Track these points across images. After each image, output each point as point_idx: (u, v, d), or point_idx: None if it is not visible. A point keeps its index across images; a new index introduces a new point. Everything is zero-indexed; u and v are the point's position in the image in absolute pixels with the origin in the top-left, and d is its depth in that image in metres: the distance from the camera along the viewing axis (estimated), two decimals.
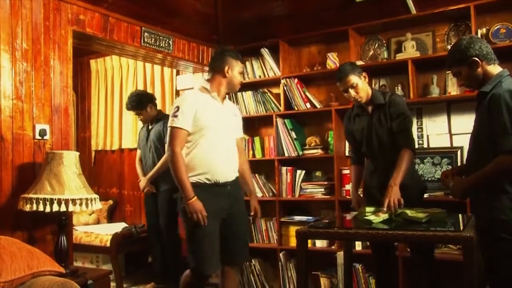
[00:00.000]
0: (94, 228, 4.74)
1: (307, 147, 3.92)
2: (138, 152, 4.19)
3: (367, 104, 2.83)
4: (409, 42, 3.56)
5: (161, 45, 3.73)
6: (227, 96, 2.76)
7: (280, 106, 4.04)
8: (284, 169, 4.00)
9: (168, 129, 2.56)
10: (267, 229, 4.08)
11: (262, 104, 4.16)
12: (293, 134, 3.94)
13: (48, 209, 2.50)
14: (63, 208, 2.52)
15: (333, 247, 3.74)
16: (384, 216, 2.36)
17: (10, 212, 2.64)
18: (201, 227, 2.48)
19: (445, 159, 3.43)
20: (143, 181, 3.97)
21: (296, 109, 3.95)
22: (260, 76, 4.20)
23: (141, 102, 3.95)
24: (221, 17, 4.20)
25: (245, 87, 4.24)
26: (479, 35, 3.24)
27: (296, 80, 3.94)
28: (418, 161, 3.47)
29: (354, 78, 2.72)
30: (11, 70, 2.72)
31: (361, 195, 3.04)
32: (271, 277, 4.07)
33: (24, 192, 2.59)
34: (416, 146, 3.53)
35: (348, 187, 3.63)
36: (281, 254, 3.93)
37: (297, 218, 3.91)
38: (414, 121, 3.56)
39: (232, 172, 2.69)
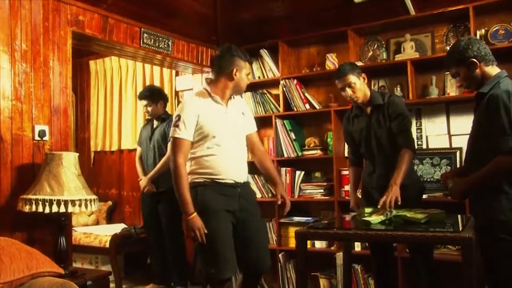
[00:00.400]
0: (94, 229, 4.73)
1: (306, 148, 3.93)
2: (138, 149, 4.15)
3: (366, 105, 2.84)
4: (408, 43, 3.57)
5: (160, 46, 3.73)
6: (232, 96, 2.59)
7: (279, 107, 4.04)
8: (283, 170, 4.00)
9: (170, 139, 2.48)
10: (267, 230, 4.08)
11: (261, 105, 4.16)
12: (292, 135, 3.94)
13: (47, 210, 2.50)
14: (62, 209, 2.52)
15: (332, 248, 3.74)
16: (381, 216, 2.36)
17: (10, 213, 2.64)
18: (212, 230, 2.36)
19: (444, 160, 3.43)
20: (143, 181, 3.94)
21: (295, 110, 3.95)
22: (259, 77, 4.20)
23: (154, 95, 3.94)
24: (220, 18, 4.20)
25: None
26: (478, 36, 3.24)
27: (295, 81, 3.95)
28: (417, 162, 3.47)
29: (352, 78, 2.74)
30: (10, 71, 2.72)
31: (360, 196, 3.05)
32: (271, 277, 4.07)
33: (24, 193, 2.59)
34: (415, 147, 3.54)
35: (347, 187, 3.63)
36: (280, 255, 3.93)
37: (296, 219, 3.91)
38: (413, 122, 3.57)
39: (242, 173, 2.55)
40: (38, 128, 2.84)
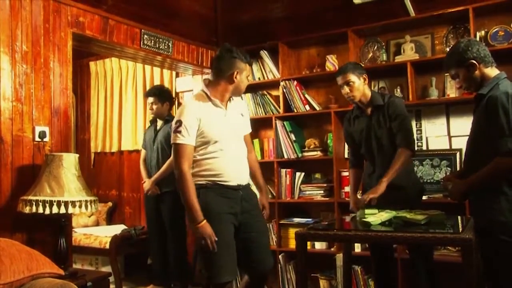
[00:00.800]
0: (94, 230, 4.73)
1: (306, 149, 3.93)
2: (143, 152, 4.14)
3: (366, 106, 2.85)
4: (408, 45, 3.57)
5: (161, 47, 3.74)
6: (231, 98, 2.56)
7: (280, 108, 4.04)
8: (283, 171, 4.00)
9: (172, 146, 2.43)
10: (268, 231, 4.08)
11: (261, 106, 4.16)
12: (293, 136, 3.94)
13: (47, 211, 2.50)
14: (62, 210, 2.52)
15: (332, 249, 3.74)
16: (381, 217, 2.36)
17: (10, 214, 2.65)
18: (218, 235, 2.32)
19: (444, 161, 3.43)
20: (147, 183, 3.92)
21: (295, 111, 3.95)
22: (259, 78, 4.20)
23: (162, 94, 3.94)
24: (221, 19, 4.21)
25: None
26: (477, 38, 3.25)
27: (295, 82, 3.95)
28: (417, 163, 3.47)
29: (352, 76, 2.77)
30: (10, 72, 2.73)
31: (360, 197, 3.04)
32: (271, 278, 4.05)
33: (24, 194, 2.59)
34: (415, 147, 3.54)
35: (347, 189, 3.63)
36: (280, 256, 3.93)
37: (297, 220, 3.91)
38: (413, 123, 3.57)
39: (244, 176, 2.54)
40: (38, 129, 2.85)
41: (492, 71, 2.18)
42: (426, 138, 3.57)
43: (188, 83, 4.63)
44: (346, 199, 3.60)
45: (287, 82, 3.97)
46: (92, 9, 3.18)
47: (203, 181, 2.42)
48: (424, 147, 3.56)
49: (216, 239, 2.31)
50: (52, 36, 2.95)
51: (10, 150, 2.71)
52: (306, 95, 3.94)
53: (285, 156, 3.97)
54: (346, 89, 2.80)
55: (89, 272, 2.99)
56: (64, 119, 3.02)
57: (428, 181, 3.45)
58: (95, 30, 3.22)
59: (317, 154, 3.87)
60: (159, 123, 4.00)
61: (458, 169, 3.31)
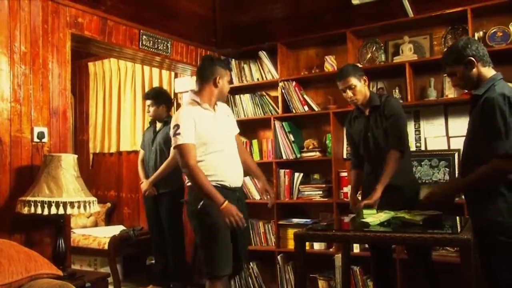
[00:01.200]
0: (92, 231, 4.73)
1: (305, 149, 3.93)
2: (141, 152, 4.14)
3: (365, 106, 2.86)
4: (406, 45, 3.58)
5: (159, 48, 3.74)
6: (217, 103, 2.75)
7: (278, 109, 4.05)
8: (282, 171, 4.00)
9: (176, 149, 2.54)
10: (265, 232, 4.08)
11: (260, 107, 4.17)
12: (291, 137, 3.94)
13: (46, 212, 2.50)
14: (61, 211, 2.52)
15: (331, 249, 3.74)
16: (380, 218, 2.36)
17: (8, 214, 2.64)
18: (217, 230, 2.49)
19: (443, 161, 3.44)
20: (145, 184, 3.92)
21: (294, 112, 3.95)
22: (258, 79, 4.20)
23: (158, 97, 3.94)
24: (219, 20, 4.21)
25: (243, 90, 4.26)
26: (476, 38, 3.25)
27: (294, 83, 3.95)
28: (415, 164, 3.47)
29: (353, 80, 2.78)
30: (9, 72, 2.72)
31: (360, 197, 3.05)
32: (269, 279, 4.07)
33: (22, 195, 2.59)
34: (414, 148, 3.56)
35: (346, 189, 3.64)
36: (279, 257, 3.93)
37: (295, 220, 3.91)
38: (412, 123, 3.58)
39: (240, 177, 2.73)
40: (37, 130, 2.84)
41: (489, 71, 2.18)
42: (425, 138, 3.57)
43: (187, 84, 4.62)
44: (345, 199, 3.60)
45: (285, 82, 3.97)
46: (90, 9, 3.18)
47: None
48: (423, 148, 3.57)
49: (242, 215, 2.48)
50: (50, 37, 2.95)
51: (9, 151, 2.71)
52: (305, 96, 3.94)
53: (284, 157, 3.97)
54: (349, 93, 2.80)
55: (87, 273, 2.99)
56: (63, 119, 3.01)
57: (427, 181, 3.45)
58: (93, 31, 3.22)
59: (316, 154, 3.87)
60: (159, 124, 4.00)
61: (456, 169, 3.32)
